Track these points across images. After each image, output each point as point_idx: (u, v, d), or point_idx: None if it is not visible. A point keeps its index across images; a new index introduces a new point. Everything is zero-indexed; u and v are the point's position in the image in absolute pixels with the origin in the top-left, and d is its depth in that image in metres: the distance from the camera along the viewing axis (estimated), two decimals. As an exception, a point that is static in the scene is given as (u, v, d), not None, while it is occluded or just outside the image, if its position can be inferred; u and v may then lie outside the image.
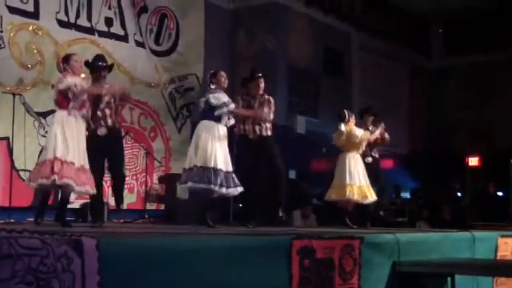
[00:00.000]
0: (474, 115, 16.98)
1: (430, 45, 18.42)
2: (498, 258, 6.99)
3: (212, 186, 6.64)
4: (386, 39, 16.37)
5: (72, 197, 8.22)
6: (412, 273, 5.70)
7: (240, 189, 6.81)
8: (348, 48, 15.53)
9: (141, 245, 3.90)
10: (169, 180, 10.58)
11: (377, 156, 9.26)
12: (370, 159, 8.93)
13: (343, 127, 8.59)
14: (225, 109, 6.83)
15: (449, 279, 5.86)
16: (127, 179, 10.65)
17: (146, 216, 9.86)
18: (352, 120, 8.74)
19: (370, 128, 9.07)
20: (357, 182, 8.42)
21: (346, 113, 8.74)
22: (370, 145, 8.93)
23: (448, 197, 14.57)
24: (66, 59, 6.59)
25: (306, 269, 4.79)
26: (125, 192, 10.51)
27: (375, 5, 15.96)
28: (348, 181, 8.39)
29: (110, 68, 7.23)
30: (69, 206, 6.71)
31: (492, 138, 16.29)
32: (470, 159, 16.12)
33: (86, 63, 6.92)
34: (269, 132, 7.49)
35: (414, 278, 5.73)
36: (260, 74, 7.71)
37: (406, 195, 15.24)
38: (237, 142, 7.57)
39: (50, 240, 3.31)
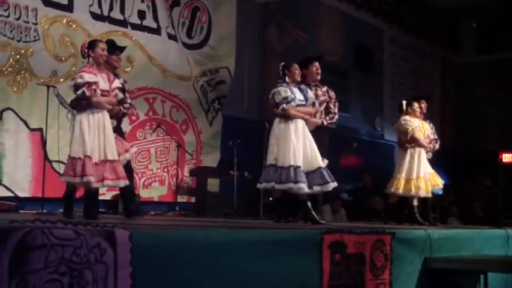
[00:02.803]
0: (506, 111, 16.76)
1: (460, 41, 18.22)
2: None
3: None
4: (417, 34, 16.21)
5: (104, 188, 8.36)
6: (444, 269, 5.66)
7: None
8: (379, 43, 15.42)
9: (173, 237, 3.91)
10: (200, 173, 10.65)
11: None
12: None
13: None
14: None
15: (482, 276, 5.80)
16: (158, 171, 10.76)
17: (177, 209, 9.92)
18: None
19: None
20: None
21: (403, 102, 8.58)
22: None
23: (480, 193, 14.41)
24: (92, 45, 6.23)
25: (336, 263, 4.77)
26: (156, 184, 10.69)
27: (407, 0, 15.82)
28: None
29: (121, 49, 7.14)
30: (100, 198, 6.70)
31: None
32: (504, 155, 15.91)
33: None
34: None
35: (446, 274, 5.68)
36: (317, 56, 7.62)
37: (438, 191, 15.09)
38: None
39: (83, 231, 3.33)
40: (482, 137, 16.97)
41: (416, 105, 8.52)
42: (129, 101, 7.03)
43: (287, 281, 4.40)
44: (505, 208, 12.45)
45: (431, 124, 8.90)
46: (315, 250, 4.67)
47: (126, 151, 6.63)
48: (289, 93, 6.68)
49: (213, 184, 10.57)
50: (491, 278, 5.78)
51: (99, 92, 6.03)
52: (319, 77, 7.48)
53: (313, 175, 6.54)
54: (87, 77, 6.01)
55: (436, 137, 8.95)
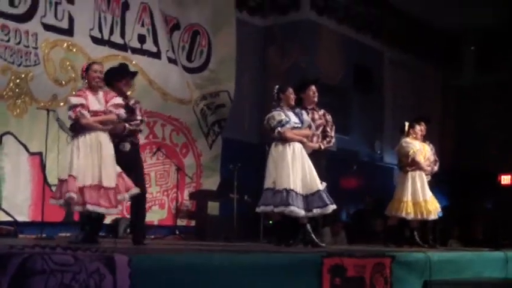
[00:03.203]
0: (506, 133, 16.78)
1: (461, 62, 18.29)
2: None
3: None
4: (417, 56, 16.30)
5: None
6: (444, 292, 5.65)
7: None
8: (379, 65, 15.48)
9: (172, 261, 3.91)
10: (200, 196, 10.64)
11: None
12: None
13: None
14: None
15: (482, 299, 5.79)
16: (158, 195, 10.75)
17: (177, 232, 9.90)
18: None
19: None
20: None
21: (406, 124, 8.64)
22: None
23: (480, 215, 14.39)
24: (87, 67, 6.30)
25: (336, 287, 4.77)
26: (156, 208, 10.67)
27: (407, 22, 15.91)
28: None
29: (131, 75, 6.99)
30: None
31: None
32: (503, 177, 15.94)
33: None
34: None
35: (446, 297, 5.68)
36: (313, 80, 7.68)
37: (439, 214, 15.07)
38: None
39: (83, 256, 3.34)
40: (482, 158, 16.95)
41: (418, 127, 8.55)
42: (139, 117, 6.75)
43: (287, 305, 4.40)
44: (505, 230, 12.43)
45: (431, 145, 8.92)
46: (315, 274, 4.67)
47: (127, 190, 6.24)
48: (283, 117, 6.73)
49: (213, 207, 10.57)
50: (491, 300, 5.77)
51: (86, 113, 6.03)
52: (316, 100, 7.52)
53: (312, 198, 6.56)
54: (74, 100, 6.11)
55: (436, 158, 8.96)
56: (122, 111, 6.31)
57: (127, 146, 6.57)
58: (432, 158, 8.80)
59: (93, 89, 6.20)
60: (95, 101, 6.12)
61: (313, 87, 7.50)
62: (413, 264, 5.64)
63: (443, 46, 17.27)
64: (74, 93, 6.52)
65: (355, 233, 11.68)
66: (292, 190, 6.48)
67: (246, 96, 12.77)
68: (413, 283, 5.58)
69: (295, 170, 6.59)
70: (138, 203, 6.63)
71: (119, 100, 6.33)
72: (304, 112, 7.04)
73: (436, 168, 8.88)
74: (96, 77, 6.20)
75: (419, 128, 8.58)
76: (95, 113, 6.08)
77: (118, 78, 6.63)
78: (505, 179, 15.85)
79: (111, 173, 6.07)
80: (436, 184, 9.15)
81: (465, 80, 18.11)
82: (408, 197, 8.28)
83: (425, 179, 8.46)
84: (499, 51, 17.04)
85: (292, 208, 6.42)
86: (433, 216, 8.36)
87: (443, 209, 15.01)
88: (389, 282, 5.26)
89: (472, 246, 10.13)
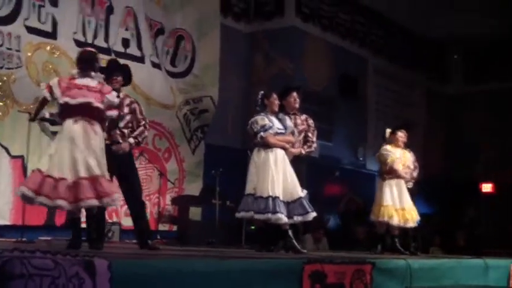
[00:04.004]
0: (491, 142, 16.89)
1: (447, 71, 18.40)
2: (511, 286, 6.94)
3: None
4: (402, 64, 16.36)
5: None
6: (424, 300, 5.68)
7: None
8: (363, 73, 15.53)
9: (153, 266, 3.91)
10: (182, 201, 10.62)
11: None
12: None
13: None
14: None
15: (461, 306, 5.83)
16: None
17: (158, 237, 9.87)
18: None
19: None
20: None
21: (387, 131, 8.74)
22: None
23: (462, 223, 14.49)
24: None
25: (316, 293, 4.78)
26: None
27: (392, 30, 15.98)
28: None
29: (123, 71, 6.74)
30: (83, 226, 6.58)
31: (510, 165, 16.15)
32: (483, 185, 16.05)
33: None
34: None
35: (426, 304, 5.70)
36: (293, 87, 7.68)
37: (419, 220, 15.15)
38: None
39: (62, 260, 3.32)
40: (467, 167, 17.07)
41: (399, 133, 8.61)
42: (142, 123, 6.58)
43: (267, 311, 4.40)
44: (487, 237, 12.52)
45: (411, 153, 8.96)
46: (295, 280, 4.68)
47: (105, 195, 5.55)
48: (266, 122, 6.75)
49: (195, 213, 10.56)
50: (471, 308, 5.81)
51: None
52: (297, 106, 7.55)
53: (293, 205, 6.58)
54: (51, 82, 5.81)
55: (416, 165, 9.01)
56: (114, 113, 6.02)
57: (118, 148, 6.35)
58: (412, 165, 8.85)
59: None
60: (78, 92, 5.70)
61: (295, 94, 7.53)
62: (393, 271, 5.67)
63: (430, 55, 17.36)
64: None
65: (337, 240, 11.70)
66: (278, 197, 6.49)
67: (229, 102, 12.77)
68: (394, 290, 5.61)
69: (278, 177, 6.60)
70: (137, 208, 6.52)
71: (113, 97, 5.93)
72: (287, 118, 7.06)
73: (415, 174, 8.92)
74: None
75: (400, 135, 8.63)
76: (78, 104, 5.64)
77: (112, 74, 6.48)
78: (485, 187, 15.96)
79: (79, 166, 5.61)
80: (418, 191, 9.20)
81: (451, 89, 18.22)
82: (388, 202, 8.34)
83: (404, 186, 8.51)
84: (486, 60, 17.16)
85: (279, 215, 6.44)
86: (411, 224, 8.41)
87: (425, 216, 15.15)
88: (370, 289, 5.28)
89: (454, 253, 10.20)
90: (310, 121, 7.63)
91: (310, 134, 7.54)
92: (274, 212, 6.42)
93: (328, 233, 12.03)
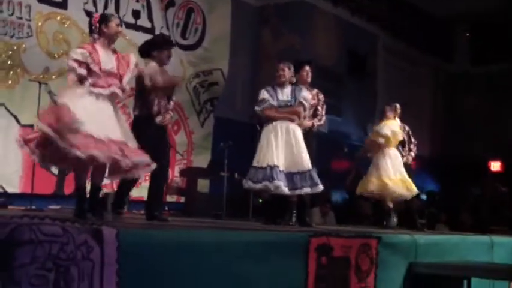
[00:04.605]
0: (496, 121, 16.85)
1: (454, 50, 18.30)
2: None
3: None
4: (411, 42, 16.29)
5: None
6: (428, 274, 5.70)
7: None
8: (373, 49, 15.47)
9: (160, 237, 3.94)
10: (190, 173, 10.66)
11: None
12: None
13: None
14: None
15: (465, 282, 5.84)
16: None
17: (166, 209, 9.92)
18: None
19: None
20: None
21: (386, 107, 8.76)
22: None
23: (468, 201, 14.50)
24: (104, 19, 5.44)
25: (322, 266, 4.81)
26: (147, 184, 10.65)
27: (402, 7, 15.88)
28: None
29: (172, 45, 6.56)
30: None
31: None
32: (492, 164, 16.03)
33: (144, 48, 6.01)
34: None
35: (430, 279, 5.72)
36: (306, 61, 7.65)
37: (426, 197, 15.19)
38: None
39: (71, 228, 3.36)
40: (471, 145, 17.05)
41: (387, 107, 8.68)
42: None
43: (273, 282, 4.44)
44: (493, 215, 12.53)
45: (407, 128, 8.96)
46: (301, 252, 4.71)
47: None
48: (265, 95, 6.80)
49: (203, 185, 10.60)
50: (474, 283, 5.82)
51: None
52: (309, 80, 7.53)
53: (301, 176, 6.59)
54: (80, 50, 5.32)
55: (413, 140, 9.01)
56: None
57: (161, 119, 6.19)
58: (405, 139, 8.84)
59: (108, 45, 5.46)
60: (107, 60, 5.38)
61: (307, 68, 7.51)
62: (399, 246, 5.69)
63: (437, 34, 17.27)
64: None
65: (344, 214, 11.75)
66: (276, 166, 6.53)
67: (238, 76, 12.76)
68: (399, 264, 5.64)
69: (278, 148, 6.64)
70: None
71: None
72: (304, 89, 7.03)
73: (414, 149, 8.94)
74: (119, 32, 5.52)
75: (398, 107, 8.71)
76: (107, 73, 5.35)
77: (162, 48, 6.29)
78: (494, 166, 15.95)
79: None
80: (422, 167, 9.25)
81: (457, 68, 18.15)
82: (374, 175, 8.40)
83: (396, 158, 8.48)
84: (491, 41, 17.06)
85: (276, 183, 6.47)
86: (403, 195, 8.38)
87: (432, 194, 15.18)
88: (375, 263, 5.31)
89: (459, 231, 10.22)
90: (321, 96, 7.61)
91: (319, 108, 7.53)
92: (272, 179, 6.47)
93: (335, 207, 12.07)
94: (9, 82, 9.00)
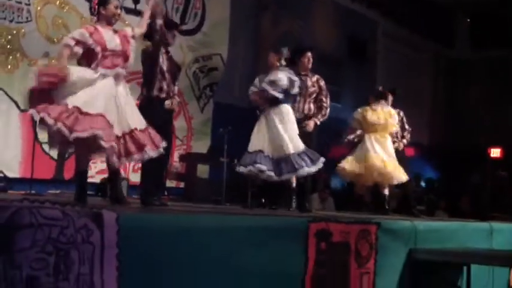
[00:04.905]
0: (496, 108, 16.84)
1: (455, 36, 18.26)
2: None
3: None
4: (411, 28, 16.24)
5: (93, 171, 8.34)
6: (428, 261, 5.72)
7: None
8: (373, 35, 15.44)
9: (160, 221, 3.95)
10: (190, 159, 10.65)
11: None
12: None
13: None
14: None
15: (465, 268, 5.86)
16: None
17: (165, 194, 9.92)
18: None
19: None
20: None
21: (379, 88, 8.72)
22: None
23: (468, 188, 14.50)
24: (103, 1, 5.45)
25: (322, 252, 4.83)
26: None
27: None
28: None
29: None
30: (89, 180, 6.58)
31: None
32: (492, 150, 16.02)
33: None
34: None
35: (430, 265, 5.74)
36: (310, 47, 7.63)
37: (425, 184, 15.20)
38: None
39: (71, 211, 3.36)
40: (471, 132, 17.05)
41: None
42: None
43: (272, 267, 4.45)
44: (493, 202, 12.54)
45: (401, 114, 8.91)
46: (301, 238, 4.72)
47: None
48: (256, 80, 6.93)
49: (203, 170, 10.59)
50: (474, 270, 5.84)
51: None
52: (310, 67, 7.50)
53: (284, 161, 6.59)
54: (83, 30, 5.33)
55: (407, 127, 8.95)
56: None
57: (169, 104, 6.17)
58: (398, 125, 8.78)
59: (107, 26, 5.45)
60: (110, 39, 5.38)
61: (309, 54, 7.48)
62: (399, 232, 5.70)
63: (438, 20, 17.22)
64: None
65: (343, 201, 11.75)
66: (261, 151, 6.56)
67: (238, 61, 12.72)
68: (398, 251, 5.65)
69: (262, 133, 6.69)
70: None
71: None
72: (282, 72, 6.93)
73: (407, 136, 8.89)
74: (118, 14, 5.52)
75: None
76: (112, 53, 5.34)
77: (168, 29, 6.27)
78: (494, 152, 15.94)
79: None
80: (422, 154, 9.23)
81: (458, 54, 18.11)
82: (353, 159, 8.36)
83: (383, 142, 8.40)
84: (493, 26, 17.02)
85: (258, 166, 6.48)
86: (388, 181, 8.33)
87: (431, 181, 15.18)
88: (375, 249, 5.32)
89: (459, 217, 10.23)
90: (322, 83, 7.54)
91: (324, 99, 7.44)
92: (255, 163, 6.48)
93: (334, 193, 12.07)
94: (9, 67, 8.97)
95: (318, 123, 7.37)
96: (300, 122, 6.93)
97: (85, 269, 3.37)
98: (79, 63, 5.42)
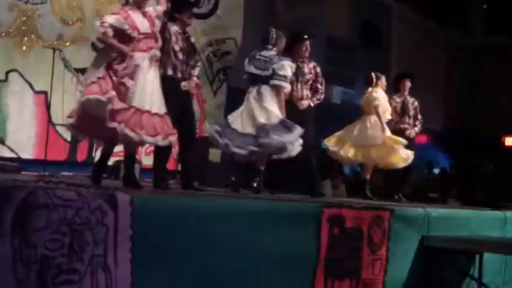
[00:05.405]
0: (510, 95, 16.72)
1: (470, 22, 18.12)
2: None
3: None
4: (426, 13, 16.12)
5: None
6: (440, 248, 5.69)
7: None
8: (387, 21, 15.35)
9: (173, 204, 3.95)
10: (202, 143, 10.64)
11: None
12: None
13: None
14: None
15: (477, 256, 5.83)
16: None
17: (178, 177, 9.93)
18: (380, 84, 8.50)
19: (406, 94, 8.79)
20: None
21: (373, 75, 8.54)
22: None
23: (482, 176, 14.45)
24: None
25: (335, 237, 4.82)
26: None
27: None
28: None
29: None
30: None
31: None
32: (507, 139, 15.94)
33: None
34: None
35: (442, 253, 5.72)
36: (307, 36, 7.48)
37: (438, 171, 15.16)
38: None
39: (86, 193, 3.37)
40: (486, 119, 16.96)
41: (383, 79, 8.51)
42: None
43: (284, 252, 4.45)
44: (507, 190, 12.48)
45: (416, 103, 8.83)
46: (314, 223, 4.71)
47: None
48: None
49: (215, 154, 10.59)
50: (486, 258, 5.81)
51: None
52: (307, 55, 7.40)
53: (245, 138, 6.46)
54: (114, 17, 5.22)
55: (419, 117, 8.85)
56: None
57: (187, 86, 6.05)
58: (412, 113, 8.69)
59: (137, 9, 5.37)
60: (141, 22, 5.33)
61: (307, 43, 7.39)
62: (412, 219, 5.68)
63: (453, 4, 17.09)
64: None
65: (355, 187, 11.72)
66: (232, 129, 6.48)
67: (252, 45, 12.66)
68: (411, 237, 5.63)
69: (241, 112, 6.65)
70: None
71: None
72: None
73: (418, 126, 8.77)
74: None
75: (384, 79, 8.54)
76: (145, 35, 5.31)
77: (183, 9, 6.15)
78: (509, 141, 15.87)
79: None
80: (435, 141, 9.14)
81: (473, 41, 17.98)
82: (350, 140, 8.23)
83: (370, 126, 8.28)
84: (509, 13, 16.86)
85: (220, 139, 6.41)
86: (386, 164, 8.24)
87: (444, 168, 15.11)
88: (387, 236, 5.30)
89: (472, 205, 10.20)
90: (318, 69, 7.44)
91: (319, 86, 7.40)
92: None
93: (347, 180, 12.05)
94: (24, 48, 8.99)
95: (312, 105, 7.30)
96: (294, 109, 6.89)
97: (99, 251, 3.38)
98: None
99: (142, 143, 5.38)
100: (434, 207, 6.40)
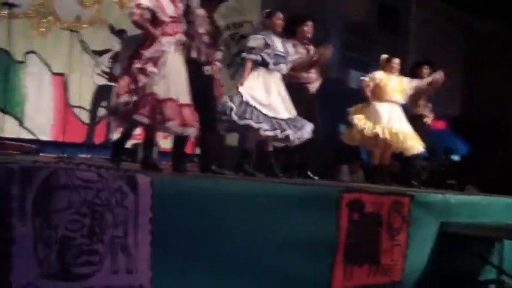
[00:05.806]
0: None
1: (490, 8, 17.91)
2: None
3: None
4: (444, -1, 15.98)
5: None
6: (460, 234, 5.64)
7: None
8: (405, 5, 15.20)
9: (194, 186, 3.93)
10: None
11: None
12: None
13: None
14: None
15: (497, 244, 5.79)
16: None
17: (195, 160, 9.91)
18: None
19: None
20: None
21: (382, 57, 8.43)
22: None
23: (499, 162, 14.34)
24: None
25: (354, 222, 4.79)
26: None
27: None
28: None
29: None
30: None
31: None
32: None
33: None
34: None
35: (461, 239, 5.67)
36: (308, 18, 7.38)
37: (456, 157, 15.07)
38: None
39: (106, 174, 3.35)
40: (504, 106, 16.79)
41: (394, 61, 8.38)
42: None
43: (304, 236, 4.42)
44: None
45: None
46: (333, 208, 4.69)
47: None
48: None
49: (232, 138, 10.56)
50: (507, 245, 5.76)
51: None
52: (309, 36, 7.33)
53: None
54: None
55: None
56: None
57: (210, 70, 6.04)
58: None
59: None
60: (168, 5, 5.19)
61: (310, 23, 7.31)
62: (431, 205, 5.64)
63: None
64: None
65: (372, 172, 11.66)
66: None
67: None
68: (430, 223, 5.59)
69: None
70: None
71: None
72: (290, 45, 6.85)
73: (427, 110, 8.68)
74: None
75: (396, 62, 8.40)
76: (172, 19, 5.18)
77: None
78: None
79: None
80: (454, 128, 9.04)
81: (492, 27, 17.78)
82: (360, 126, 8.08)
83: (394, 110, 8.14)
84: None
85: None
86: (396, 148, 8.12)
87: (463, 155, 15.00)
88: (407, 221, 5.26)
89: (490, 192, 10.13)
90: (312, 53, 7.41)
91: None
92: None
93: (364, 166, 11.98)
94: (42, 30, 8.99)
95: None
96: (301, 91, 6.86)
97: (119, 232, 3.37)
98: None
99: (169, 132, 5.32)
100: (452, 194, 6.35)
